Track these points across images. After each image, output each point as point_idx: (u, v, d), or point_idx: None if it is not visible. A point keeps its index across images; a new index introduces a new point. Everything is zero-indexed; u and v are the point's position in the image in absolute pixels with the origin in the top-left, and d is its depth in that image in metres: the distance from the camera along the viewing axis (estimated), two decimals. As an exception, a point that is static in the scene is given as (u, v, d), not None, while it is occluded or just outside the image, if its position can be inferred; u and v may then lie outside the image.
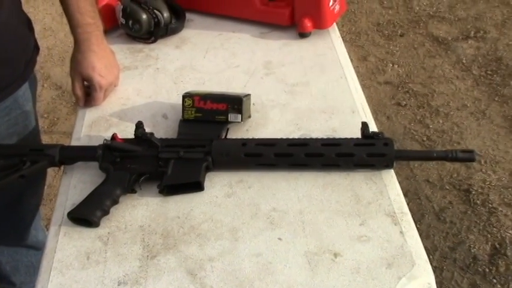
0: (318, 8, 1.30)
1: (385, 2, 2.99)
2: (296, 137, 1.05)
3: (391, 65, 2.57)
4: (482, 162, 2.05)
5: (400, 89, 2.43)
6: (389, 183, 0.96)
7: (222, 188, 0.97)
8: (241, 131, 1.09)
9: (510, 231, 1.81)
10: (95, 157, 1.00)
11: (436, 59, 2.57)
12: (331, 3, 1.31)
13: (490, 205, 1.90)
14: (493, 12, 2.75)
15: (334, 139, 0.99)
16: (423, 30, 2.75)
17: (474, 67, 2.48)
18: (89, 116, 1.17)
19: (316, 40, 1.34)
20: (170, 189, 0.96)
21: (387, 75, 2.51)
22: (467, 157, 0.96)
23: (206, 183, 0.97)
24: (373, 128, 1.05)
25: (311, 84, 1.20)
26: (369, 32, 2.80)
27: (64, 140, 2.30)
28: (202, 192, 0.96)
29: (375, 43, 2.72)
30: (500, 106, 2.27)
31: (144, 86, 1.24)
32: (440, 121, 2.25)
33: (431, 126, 2.23)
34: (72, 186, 1.00)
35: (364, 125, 1.00)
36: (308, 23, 1.32)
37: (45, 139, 2.35)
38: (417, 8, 2.90)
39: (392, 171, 0.98)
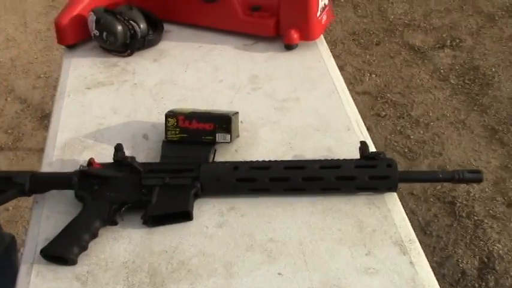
0: (305, 18, 1.24)
1: (359, 11, 2.95)
2: (290, 158, 0.98)
3: (368, 75, 2.53)
4: (466, 174, 2.01)
5: (379, 99, 2.39)
6: (393, 207, 0.90)
7: (212, 216, 0.89)
8: (229, 152, 1.01)
9: (497, 245, 1.78)
10: (70, 185, 0.91)
11: (413, 68, 2.54)
12: (318, 14, 1.25)
13: (476, 217, 1.86)
14: (467, 21, 2.75)
15: (332, 161, 0.92)
16: (399, 39, 2.73)
17: (452, 76, 2.46)
18: (61, 137, 1.07)
19: (304, 52, 1.27)
20: (155, 219, 0.87)
21: (365, 85, 2.47)
22: (474, 178, 0.91)
23: (195, 212, 0.88)
24: (371, 146, 0.98)
25: (302, 100, 1.13)
26: (345, 41, 2.76)
27: (30, 157, 2.16)
28: (191, 222, 0.87)
29: (351, 52, 2.68)
30: (480, 115, 2.25)
31: (121, 103, 1.14)
32: (421, 131, 2.21)
33: (412, 137, 2.20)
34: (44, 217, 0.90)
35: (364, 145, 0.93)
36: (295, 35, 1.25)
37: (10, 156, 2.21)
38: (392, 17, 2.88)
39: (395, 195, 0.92)
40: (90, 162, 0.92)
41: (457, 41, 2.63)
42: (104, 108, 1.13)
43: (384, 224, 0.86)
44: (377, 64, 2.59)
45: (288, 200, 0.90)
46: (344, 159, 0.92)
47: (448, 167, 2.03)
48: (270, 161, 0.93)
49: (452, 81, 2.43)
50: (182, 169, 0.92)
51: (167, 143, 0.99)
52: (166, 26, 1.35)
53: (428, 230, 1.82)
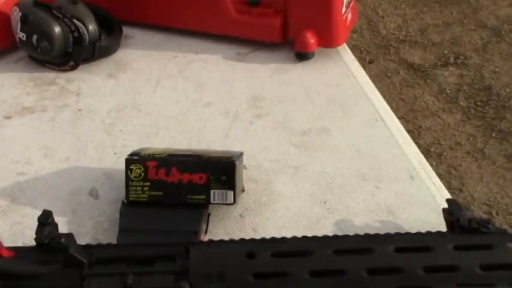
0: (327, 16, 0.88)
1: (347, 26, 2.63)
2: (330, 228, 0.61)
3: (365, 97, 2.20)
4: (494, 214, 1.68)
5: (380, 125, 2.05)
6: (520, 316, 0.53)
7: None
8: (232, 218, 0.63)
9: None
10: (-47, 291, 0.51)
11: (415, 89, 2.22)
12: (344, 10, 0.89)
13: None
14: (470, 36, 2.46)
15: (411, 236, 0.55)
16: (395, 56, 2.41)
17: (461, 98, 2.15)
18: (-42, 195, 0.67)
19: (323, 64, 0.91)
20: None
21: (363, 109, 2.13)
22: None
23: (180, 337, 0.49)
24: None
25: (332, 132, 0.76)
26: (333, 59, 2.43)
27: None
28: None
29: (342, 71, 2.35)
30: (500, 143, 1.93)
31: (57, 140, 0.75)
32: (434, 163, 1.87)
33: (424, 170, 1.85)
34: None
35: (454, 207, 0.57)
36: (311, 39, 0.89)
37: None
38: (384, 32, 2.57)
39: (516, 291, 0.55)
40: (-7, 248, 0.52)
41: (462, 58, 2.33)
42: (30, 148, 0.74)
43: None
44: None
45: (340, 306, 0.53)
46: (430, 233, 0.55)
47: (472, 206, 1.69)
48: (306, 238, 0.55)
49: (462, 103, 2.12)
50: (156, 256, 0.53)
51: (129, 207, 0.61)
52: (126, 30, 0.97)
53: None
